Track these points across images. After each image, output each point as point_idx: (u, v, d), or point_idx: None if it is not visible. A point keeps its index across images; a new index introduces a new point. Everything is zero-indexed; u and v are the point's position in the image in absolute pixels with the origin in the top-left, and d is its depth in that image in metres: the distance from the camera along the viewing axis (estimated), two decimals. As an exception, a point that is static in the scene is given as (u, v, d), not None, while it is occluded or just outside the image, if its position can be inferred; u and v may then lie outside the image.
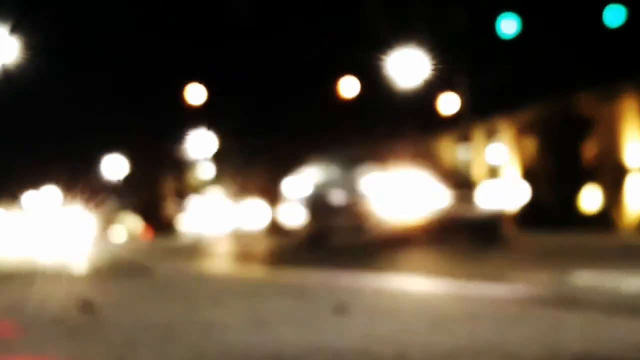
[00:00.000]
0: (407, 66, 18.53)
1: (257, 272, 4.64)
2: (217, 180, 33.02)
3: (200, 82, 19.85)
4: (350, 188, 9.05)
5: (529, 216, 22.27)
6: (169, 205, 37.77)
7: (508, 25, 17.56)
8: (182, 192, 37.51)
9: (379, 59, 16.09)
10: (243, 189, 31.74)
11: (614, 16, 16.24)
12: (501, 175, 24.19)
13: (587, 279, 3.55)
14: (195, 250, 11.08)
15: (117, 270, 5.15)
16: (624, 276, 3.55)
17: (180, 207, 32.23)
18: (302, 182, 10.06)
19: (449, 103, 24.17)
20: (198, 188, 34.91)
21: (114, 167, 31.77)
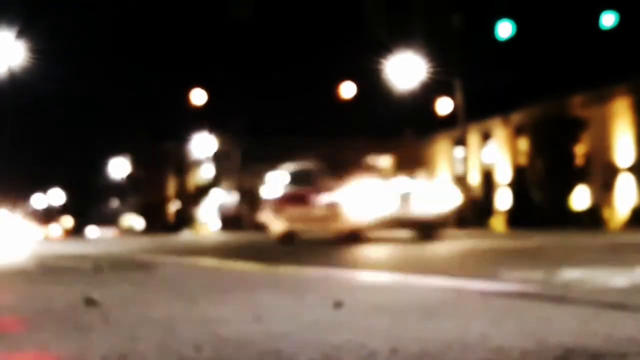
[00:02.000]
0: (404, 69, 18.59)
1: (254, 267, 4.68)
2: (219, 180, 32.94)
3: (203, 85, 19.85)
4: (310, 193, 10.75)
5: (521, 215, 22.40)
6: (172, 205, 37.68)
7: (503, 28, 17.62)
8: (185, 193, 37.41)
9: (378, 62, 16.13)
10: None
11: (608, 18, 16.32)
12: (439, 178, 24.66)
13: (577, 274, 3.61)
14: (195, 246, 11.10)
15: (119, 266, 5.18)
16: (613, 272, 3.62)
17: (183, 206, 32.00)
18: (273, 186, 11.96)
19: (444, 105, 24.25)
20: (200, 188, 34.77)
21: (118, 168, 31.69)
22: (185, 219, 34.36)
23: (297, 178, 11.19)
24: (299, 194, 10.80)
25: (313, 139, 32.63)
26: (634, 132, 19.93)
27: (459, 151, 25.91)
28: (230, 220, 33.65)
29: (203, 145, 29.22)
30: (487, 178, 25.83)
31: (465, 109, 22.17)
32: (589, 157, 21.28)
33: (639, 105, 19.43)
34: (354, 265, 5.31)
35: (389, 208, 9.54)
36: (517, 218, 21.45)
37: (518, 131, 23.90)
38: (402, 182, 10.19)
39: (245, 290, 3.20)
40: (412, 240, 9.81)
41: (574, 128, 21.21)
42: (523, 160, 23.33)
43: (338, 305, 2.49)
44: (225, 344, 1.79)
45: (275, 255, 6.95)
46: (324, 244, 9.08)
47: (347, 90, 20.07)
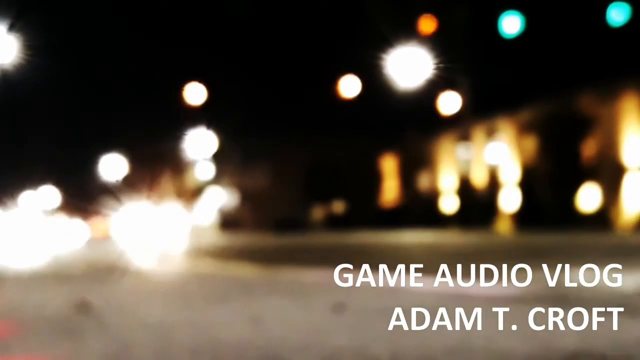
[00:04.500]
0: (408, 65, 18.39)
1: (253, 270, 4.65)
2: (216, 180, 32.84)
3: (200, 81, 19.83)
4: None
5: (528, 215, 22.23)
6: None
7: (511, 24, 17.43)
8: (181, 192, 37.45)
9: (380, 58, 15.98)
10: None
11: (619, 14, 16.11)
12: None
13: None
14: (192, 249, 11.11)
15: (113, 270, 5.16)
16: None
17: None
18: None
19: (449, 102, 24.14)
20: (197, 188, 34.74)
21: (113, 167, 31.66)
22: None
23: None
24: None
25: (311, 137, 32.46)
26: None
27: (463, 150, 25.77)
28: (229, 221, 33.61)
29: (201, 143, 29.06)
30: (493, 177, 25.70)
31: (471, 107, 22.04)
32: (597, 156, 21.08)
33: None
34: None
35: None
36: (524, 218, 21.30)
37: (525, 129, 23.74)
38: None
39: (244, 293, 3.16)
40: None
41: (582, 126, 21.01)
42: (530, 159, 23.17)
43: (340, 309, 2.45)
44: (223, 349, 1.75)
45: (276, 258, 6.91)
46: None
47: (350, 87, 19.95)
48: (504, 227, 22.59)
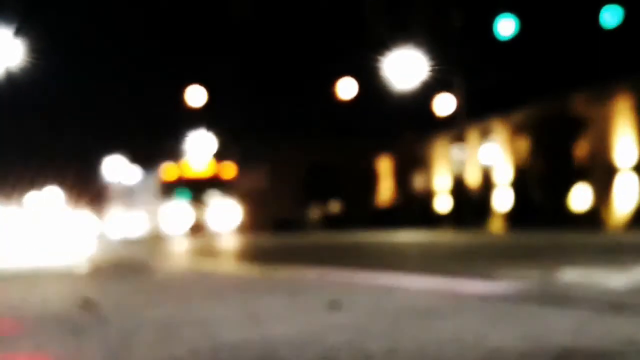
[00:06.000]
0: (404, 67, 18.50)
1: (250, 269, 4.67)
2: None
3: (200, 83, 19.85)
4: None
5: (520, 215, 22.34)
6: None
7: (505, 27, 17.51)
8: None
9: (377, 60, 16.05)
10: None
11: (612, 16, 16.19)
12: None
13: (576, 275, 3.60)
14: (191, 248, 11.10)
15: (116, 268, 5.17)
16: (611, 273, 3.61)
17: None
18: None
19: (444, 104, 24.21)
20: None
21: (115, 168, 31.70)
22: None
23: None
24: None
25: (308, 138, 32.53)
26: (636, 131, 19.83)
27: (458, 151, 25.85)
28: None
29: (201, 144, 29.30)
30: (487, 178, 25.78)
31: (465, 108, 22.11)
32: (589, 157, 21.19)
33: (641, 105, 19.32)
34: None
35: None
36: (517, 218, 21.39)
37: (518, 130, 23.83)
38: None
39: (242, 292, 3.19)
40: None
41: (574, 127, 21.13)
42: (523, 160, 23.26)
43: (336, 306, 2.48)
44: (221, 347, 1.78)
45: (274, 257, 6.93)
46: None
47: (347, 88, 20.01)
48: (497, 226, 22.67)
